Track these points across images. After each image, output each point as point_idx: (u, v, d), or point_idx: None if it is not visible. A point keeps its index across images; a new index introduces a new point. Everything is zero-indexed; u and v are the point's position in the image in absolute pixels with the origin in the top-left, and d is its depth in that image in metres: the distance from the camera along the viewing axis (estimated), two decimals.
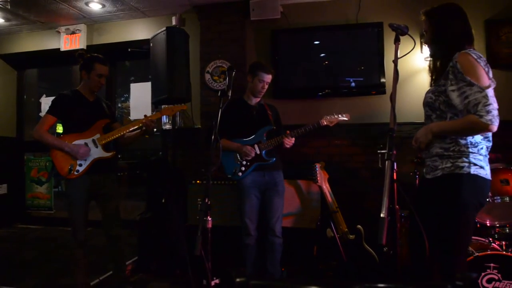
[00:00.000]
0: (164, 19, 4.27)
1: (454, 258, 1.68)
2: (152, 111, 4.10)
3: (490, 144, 1.73)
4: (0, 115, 5.04)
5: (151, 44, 3.48)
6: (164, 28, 3.28)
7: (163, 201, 3.24)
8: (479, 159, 1.67)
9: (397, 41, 1.72)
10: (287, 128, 2.83)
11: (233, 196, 3.05)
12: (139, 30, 4.43)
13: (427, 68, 2.05)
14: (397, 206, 1.49)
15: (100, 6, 4.08)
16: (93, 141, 2.56)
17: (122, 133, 2.62)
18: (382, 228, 1.26)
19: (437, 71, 1.80)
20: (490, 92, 1.57)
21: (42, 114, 4.68)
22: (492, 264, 2.23)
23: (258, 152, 2.74)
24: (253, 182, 2.74)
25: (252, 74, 2.79)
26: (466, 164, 1.65)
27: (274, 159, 2.76)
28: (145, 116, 2.65)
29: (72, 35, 4.48)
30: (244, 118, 2.83)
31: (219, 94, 2.05)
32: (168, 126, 3.98)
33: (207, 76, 3.99)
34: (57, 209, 4.96)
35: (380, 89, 3.62)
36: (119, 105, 7.66)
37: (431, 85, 1.85)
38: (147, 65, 3.69)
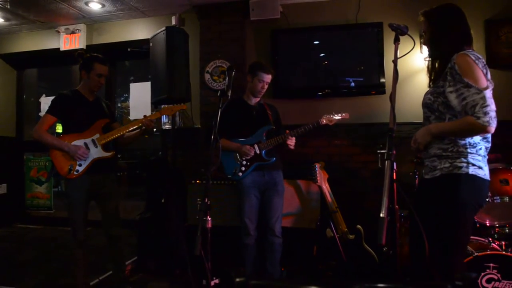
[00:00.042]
0: (164, 19, 4.27)
1: (452, 258, 1.68)
2: (152, 111, 4.10)
3: (489, 145, 1.73)
4: None
5: (151, 44, 3.48)
6: (164, 28, 3.28)
7: (162, 201, 3.25)
8: (478, 159, 1.67)
9: (396, 41, 1.72)
10: (287, 128, 2.83)
11: (233, 196, 3.05)
12: (139, 30, 4.42)
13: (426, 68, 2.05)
14: (396, 206, 1.49)
15: (100, 6, 4.07)
16: (93, 141, 2.56)
17: (121, 133, 2.62)
18: (382, 228, 1.26)
19: (436, 72, 1.80)
20: (488, 93, 1.57)
21: (42, 114, 4.67)
22: (491, 264, 2.23)
23: (258, 152, 2.74)
24: (252, 182, 2.74)
25: (251, 74, 2.79)
26: (465, 165, 1.65)
27: (274, 159, 2.76)
28: (144, 116, 2.65)
29: (71, 34, 4.48)
30: (244, 118, 2.83)
31: (218, 94, 2.05)
32: (167, 126, 3.97)
33: (207, 76, 3.99)
34: (57, 209, 4.96)
35: (379, 89, 3.62)
36: (119, 105, 7.65)
37: (429, 86, 1.85)
38: (146, 65, 3.68)
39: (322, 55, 3.83)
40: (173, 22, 4.10)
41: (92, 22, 4.51)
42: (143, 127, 2.66)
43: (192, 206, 3.25)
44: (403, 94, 3.53)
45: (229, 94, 2.06)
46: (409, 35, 1.74)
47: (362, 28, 3.72)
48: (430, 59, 1.91)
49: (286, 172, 2.94)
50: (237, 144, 2.76)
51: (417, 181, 2.85)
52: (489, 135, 1.71)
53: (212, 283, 2.21)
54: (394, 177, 1.46)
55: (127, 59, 6.49)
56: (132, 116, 4.59)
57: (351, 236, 2.86)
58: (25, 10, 4.14)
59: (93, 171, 2.54)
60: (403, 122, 3.38)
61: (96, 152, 2.56)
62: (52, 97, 2.62)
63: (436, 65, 1.80)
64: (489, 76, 1.65)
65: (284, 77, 3.82)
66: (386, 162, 1.41)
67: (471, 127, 1.57)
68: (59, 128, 4.61)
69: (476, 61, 1.62)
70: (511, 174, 2.55)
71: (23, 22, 4.48)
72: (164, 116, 3.13)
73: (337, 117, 2.83)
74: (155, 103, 3.50)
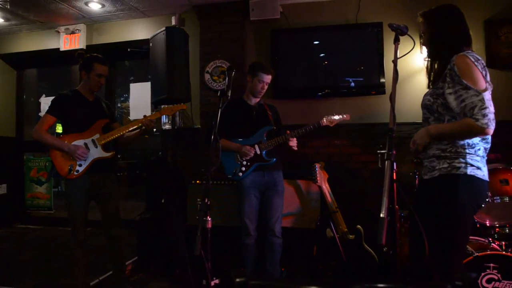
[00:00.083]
0: (164, 19, 4.27)
1: (451, 258, 1.68)
2: (152, 111, 4.10)
3: (488, 145, 1.73)
4: None
5: (151, 44, 3.48)
6: (164, 28, 3.28)
7: (162, 201, 3.25)
8: (476, 160, 1.67)
9: (396, 41, 1.71)
10: (287, 128, 2.83)
11: (232, 196, 3.05)
12: (139, 30, 4.42)
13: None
14: (396, 206, 1.49)
15: (100, 6, 4.07)
16: (93, 141, 2.56)
17: (121, 133, 2.62)
18: (382, 228, 1.26)
19: (435, 73, 1.80)
20: (487, 95, 1.57)
21: (42, 114, 4.68)
22: (491, 264, 2.24)
23: (258, 152, 2.74)
24: (252, 182, 2.74)
25: (251, 74, 2.79)
26: (463, 165, 1.65)
27: (275, 159, 2.76)
28: (144, 116, 2.65)
29: (71, 35, 4.48)
30: (244, 118, 2.83)
31: (218, 94, 2.05)
32: (167, 126, 3.97)
33: (207, 76, 3.99)
34: (57, 209, 4.96)
35: (379, 89, 3.62)
36: (119, 105, 7.65)
37: (428, 87, 1.85)
38: (146, 65, 3.68)
39: (322, 55, 3.83)
40: (173, 22, 4.10)
41: (92, 22, 4.51)
42: (143, 127, 2.66)
43: (192, 206, 3.25)
44: (403, 94, 3.53)
45: (229, 94, 2.06)
46: (409, 35, 1.74)
47: (362, 28, 3.72)
48: (429, 59, 1.91)
49: (286, 172, 2.94)
50: (237, 144, 2.76)
51: (417, 181, 2.84)
52: (488, 136, 1.70)
53: (212, 283, 2.21)
54: (394, 177, 1.46)
55: (127, 59, 6.49)
56: (132, 116, 4.59)
57: (351, 236, 2.86)
58: (25, 10, 4.14)
59: (93, 171, 2.54)
60: (403, 122, 3.38)
61: (96, 152, 2.56)
62: (52, 97, 2.62)
63: (436, 66, 1.80)
64: (488, 77, 1.65)
65: (284, 77, 3.82)
66: (386, 162, 1.40)
67: (469, 129, 1.58)
68: (59, 128, 4.61)
69: (476, 63, 1.62)
70: (511, 174, 2.55)
71: (23, 22, 4.48)
72: (164, 116, 3.13)
73: (338, 118, 2.83)
74: (155, 103, 3.50)
